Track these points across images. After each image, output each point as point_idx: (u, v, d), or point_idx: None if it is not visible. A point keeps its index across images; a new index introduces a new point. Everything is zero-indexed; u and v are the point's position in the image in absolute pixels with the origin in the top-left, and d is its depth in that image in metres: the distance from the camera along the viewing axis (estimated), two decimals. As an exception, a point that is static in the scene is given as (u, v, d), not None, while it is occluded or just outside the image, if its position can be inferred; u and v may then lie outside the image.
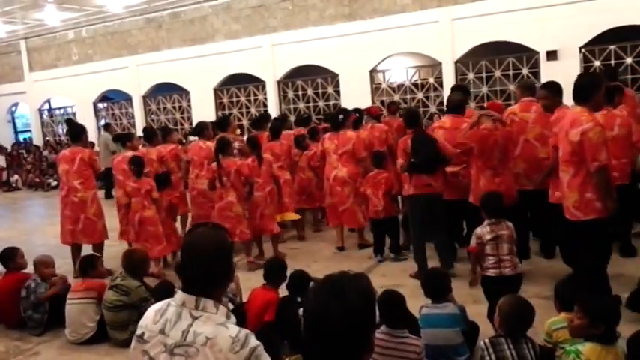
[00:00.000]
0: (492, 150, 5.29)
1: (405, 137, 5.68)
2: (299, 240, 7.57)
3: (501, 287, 3.77)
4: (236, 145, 7.15)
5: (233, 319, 1.94)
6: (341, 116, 7.14)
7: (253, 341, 1.87)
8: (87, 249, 6.61)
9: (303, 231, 7.80)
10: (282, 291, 4.28)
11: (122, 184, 6.77)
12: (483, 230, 4.12)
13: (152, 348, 1.92)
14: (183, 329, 1.87)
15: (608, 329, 2.81)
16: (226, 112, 15.25)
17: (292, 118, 13.01)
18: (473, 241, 4.16)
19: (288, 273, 4.29)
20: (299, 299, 3.93)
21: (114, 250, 6.82)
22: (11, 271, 5.20)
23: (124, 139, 7.67)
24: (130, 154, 6.93)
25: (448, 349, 3.45)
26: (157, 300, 2.46)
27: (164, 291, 4.07)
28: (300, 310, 2.28)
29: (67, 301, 4.68)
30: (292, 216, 7.49)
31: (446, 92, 10.67)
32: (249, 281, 5.00)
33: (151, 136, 8.05)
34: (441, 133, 5.78)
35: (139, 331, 1.98)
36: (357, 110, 8.05)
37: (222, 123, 8.41)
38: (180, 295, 1.95)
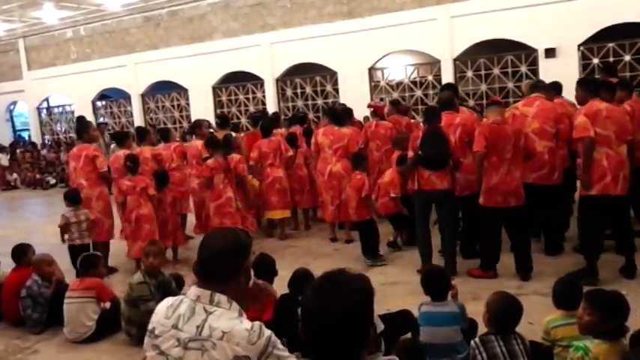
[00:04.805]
0: (505, 144, 5.09)
1: (416, 132, 5.59)
2: (280, 239, 7.47)
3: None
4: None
5: (245, 316, 1.97)
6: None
7: (267, 331, 1.92)
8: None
9: (300, 226, 7.90)
10: (278, 288, 4.24)
11: (117, 183, 6.78)
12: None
13: (163, 342, 1.94)
14: (197, 324, 1.90)
15: (618, 325, 2.75)
16: (225, 110, 15.26)
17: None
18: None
19: (290, 271, 4.25)
20: (300, 298, 3.86)
21: (117, 248, 6.80)
22: (21, 266, 5.20)
23: (121, 138, 7.66)
24: (123, 152, 6.95)
25: (448, 348, 3.44)
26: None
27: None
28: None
29: (66, 300, 4.66)
30: (278, 214, 7.46)
31: (445, 90, 10.66)
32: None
33: (142, 135, 7.99)
34: None
35: (150, 327, 2.02)
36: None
37: (224, 121, 8.57)
38: (194, 289, 1.98)
